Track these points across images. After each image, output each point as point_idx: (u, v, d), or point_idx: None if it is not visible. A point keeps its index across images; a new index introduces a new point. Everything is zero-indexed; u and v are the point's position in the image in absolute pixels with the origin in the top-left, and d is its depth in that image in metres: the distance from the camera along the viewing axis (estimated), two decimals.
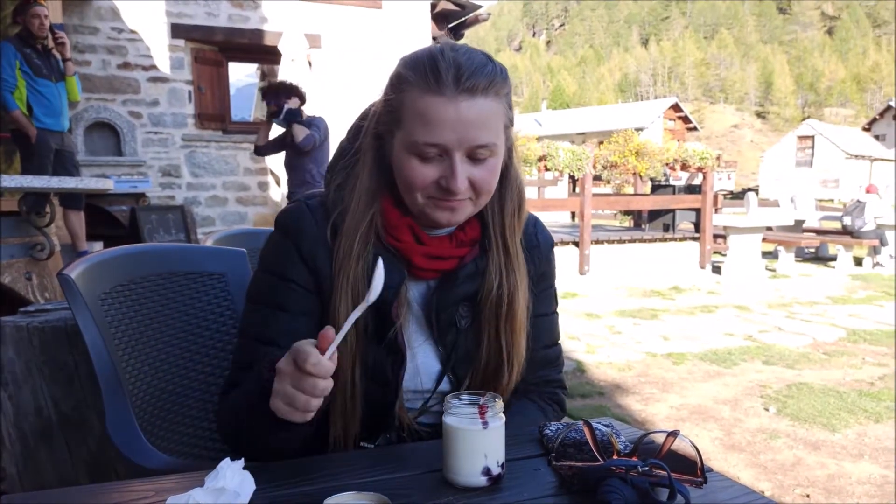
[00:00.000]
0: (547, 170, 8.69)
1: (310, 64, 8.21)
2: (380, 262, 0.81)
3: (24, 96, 4.80)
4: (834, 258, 10.25)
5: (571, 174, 8.39)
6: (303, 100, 5.56)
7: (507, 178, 1.04)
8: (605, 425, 0.94)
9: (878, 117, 53.05)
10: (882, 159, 36.64)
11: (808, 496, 2.95)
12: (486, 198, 0.99)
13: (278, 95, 5.43)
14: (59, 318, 1.64)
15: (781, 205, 12.48)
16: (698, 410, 3.98)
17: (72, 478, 1.60)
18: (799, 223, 10.91)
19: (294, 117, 5.40)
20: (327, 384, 0.77)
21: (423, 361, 1.04)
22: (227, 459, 0.74)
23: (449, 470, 0.80)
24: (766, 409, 3.99)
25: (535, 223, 1.14)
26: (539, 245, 1.12)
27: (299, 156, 5.44)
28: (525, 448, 0.92)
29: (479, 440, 0.77)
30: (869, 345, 5.57)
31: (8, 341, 1.61)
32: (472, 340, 1.05)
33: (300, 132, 5.33)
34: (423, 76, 0.92)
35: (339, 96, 7.74)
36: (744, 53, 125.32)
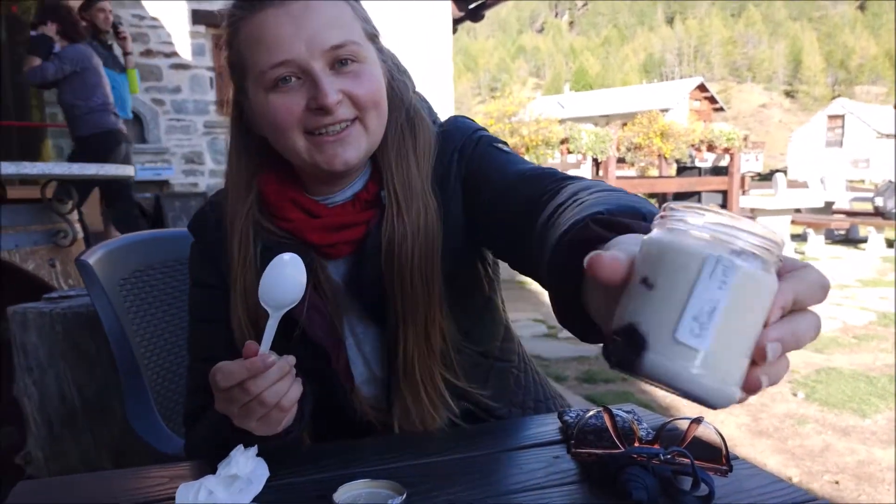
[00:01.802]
0: (569, 153, 8.60)
1: None
2: (280, 260, 0.72)
3: None
4: (865, 240, 10.01)
5: (595, 157, 8.30)
6: (68, 28, 4.63)
7: (391, 101, 0.89)
8: (626, 411, 0.92)
9: None
10: None
11: (837, 482, 2.89)
12: (374, 114, 0.85)
13: (44, 18, 4.60)
14: (81, 305, 1.66)
15: (810, 186, 12.22)
16: None
17: (96, 462, 1.62)
18: (829, 205, 10.67)
19: (38, 46, 4.51)
20: (280, 387, 0.71)
21: (373, 348, 0.93)
22: (241, 446, 0.73)
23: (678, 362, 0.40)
24: (795, 395, 3.92)
25: (452, 143, 0.92)
26: (458, 161, 0.90)
27: (59, 91, 4.66)
28: (544, 433, 0.90)
29: (761, 303, 0.40)
30: None
31: (32, 327, 1.62)
32: None
33: (29, 62, 4.49)
34: (245, 2, 0.82)
35: None
36: (772, 31, 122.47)
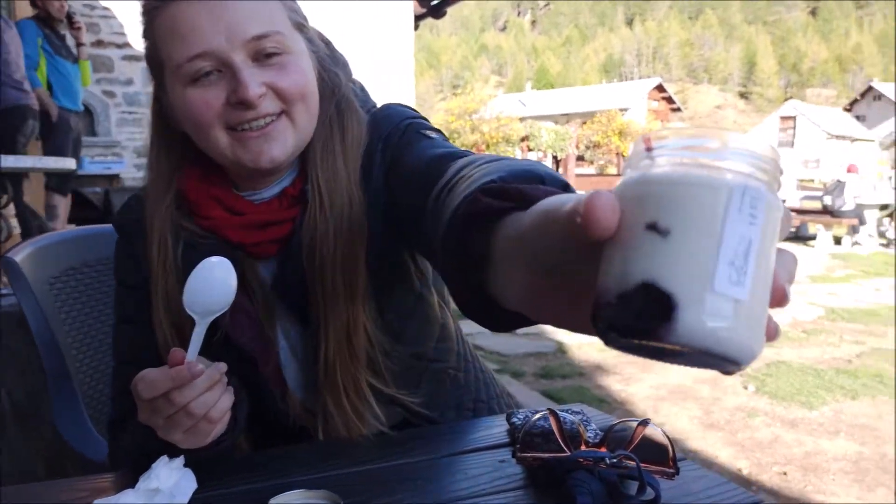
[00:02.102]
0: (530, 150, 8.66)
1: None
2: (208, 263, 0.68)
3: (44, 75, 4.78)
4: (814, 237, 10.33)
5: (555, 155, 8.37)
6: None
7: (321, 93, 0.84)
8: (575, 412, 0.90)
9: (858, 98, 53.48)
10: (862, 139, 36.95)
11: (785, 473, 2.96)
12: (302, 108, 0.80)
13: None
14: (11, 304, 1.57)
15: None
16: (678, 390, 3.98)
17: (31, 469, 1.54)
18: (785, 215, 10.92)
19: None
20: (209, 397, 0.68)
21: (306, 351, 0.88)
22: (164, 458, 0.68)
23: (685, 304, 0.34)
24: (745, 388, 4.00)
25: (379, 133, 0.86)
26: (382, 151, 0.85)
27: None
28: (491, 436, 0.88)
29: (777, 235, 0.36)
30: (847, 323, 5.61)
31: None
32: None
33: None
34: None
35: None
36: (728, 34, 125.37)
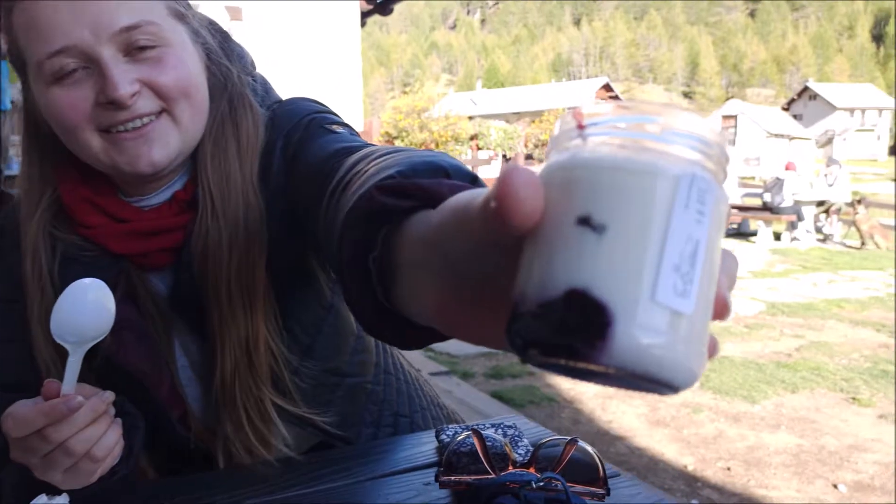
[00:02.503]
0: (479, 148, 8.66)
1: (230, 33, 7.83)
2: (79, 286, 0.61)
3: None
4: (755, 233, 10.63)
5: (504, 153, 8.38)
6: None
7: (211, 88, 0.78)
8: (507, 426, 0.86)
9: (795, 97, 55.55)
10: (800, 138, 38.35)
11: (728, 469, 3.00)
12: (185, 106, 0.72)
13: None
14: None
15: None
16: None
17: None
18: (727, 213, 11.20)
19: None
20: (91, 433, 0.62)
21: (209, 369, 0.81)
22: (43, 496, 0.61)
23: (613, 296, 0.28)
24: None
25: (279, 130, 0.79)
26: (282, 150, 0.78)
27: None
28: (418, 456, 0.82)
29: (722, 234, 0.31)
30: (787, 317, 5.77)
31: None
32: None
33: None
34: None
35: (261, 71, 7.42)
36: (671, 34, 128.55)
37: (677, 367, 0.26)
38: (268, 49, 8.03)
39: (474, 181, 0.46)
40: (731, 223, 11.18)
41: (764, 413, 3.64)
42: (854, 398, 3.82)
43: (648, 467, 3.02)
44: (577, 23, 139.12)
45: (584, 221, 0.26)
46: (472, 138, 8.35)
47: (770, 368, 4.33)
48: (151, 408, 0.78)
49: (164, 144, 0.72)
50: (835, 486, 2.83)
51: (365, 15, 9.37)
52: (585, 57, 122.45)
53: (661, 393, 0.28)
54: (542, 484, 0.64)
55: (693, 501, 2.72)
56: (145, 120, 0.70)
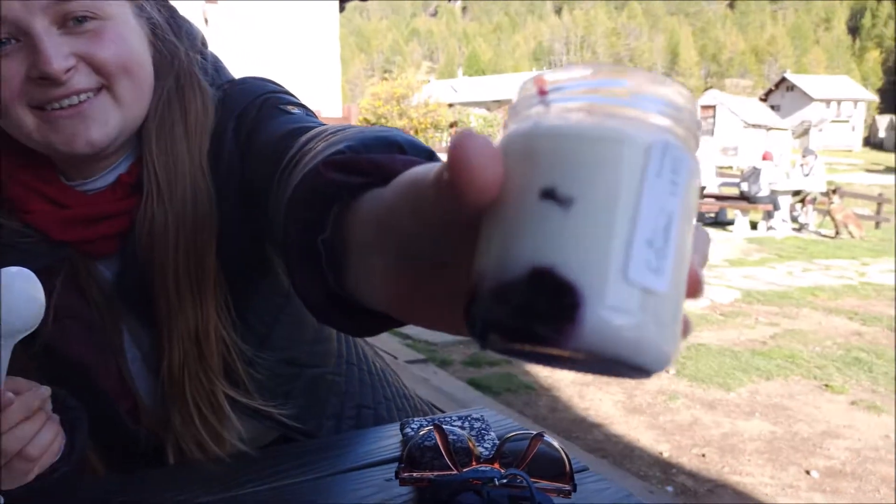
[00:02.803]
0: None
1: (206, 21, 7.69)
2: (5, 275, 0.57)
3: None
4: (732, 222, 10.72)
5: None
6: None
7: (156, 65, 0.74)
8: (474, 419, 0.83)
9: (773, 88, 56.13)
10: (777, 128, 38.76)
11: (703, 455, 3.02)
12: (126, 82, 0.68)
13: None
14: None
15: None
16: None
17: None
18: (700, 190, 11.30)
19: None
20: (24, 431, 0.59)
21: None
22: None
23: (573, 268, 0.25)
24: (667, 371, 4.08)
25: (231, 111, 0.75)
26: (234, 132, 0.74)
27: None
28: (382, 450, 0.79)
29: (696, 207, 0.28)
30: (762, 305, 5.83)
31: None
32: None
33: None
34: None
35: (238, 54, 7.30)
36: (652, 24, 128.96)
37: (651, 350, 0.24)
38: (244, 34, 7.91)
39: (431, 157, 0.43)
40: (708, 212, 11.26)
41: (739, 400, 3.67)
42: (827, 385, 3.87)
43: (624, 454, 3.03)
44: (559, 12, 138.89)
45: (549, 194, 0.24)
46: (451, 126, 8.28)
47: (745, 356, 4.37)
48: (97, 400, 0.74)
49: (103, 123, 0.68)
50: (807, 473, 2.86)
51: (343, 0, 9.25)
52: (566, 46, 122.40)
53: (632, 377, 0.26)
54: (505, 480, 0.61)
55: (668, 488, 2.73)
56: (82, 97, 0.66)
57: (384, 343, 4.12)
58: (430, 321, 0.34)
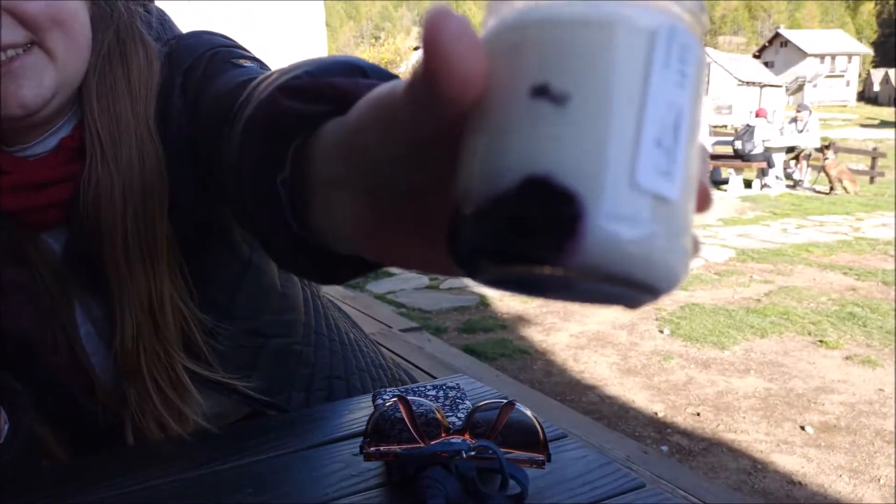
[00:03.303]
0: None
1: None
2: None
3: None
4: (726, 181, 10.66)
5: None
6: None
7: (94, 18, 0.68)
8: (449, 387, 0.80)
9: (767, 45, 55.53)
10: (771, 85, 38.45)
11: (698, 414, 3.02)
12: (59, 36, 0.63)
13: None
14: None
15: None
16: (597, 337, 4.01)
17: None
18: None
19: None
20: None
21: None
22: None
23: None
24: (661, 332, 4.08)
25: (179, 67, 0.70)
26: (181, 88, 0.69)
27: None
28: (352, 423, 0.76)
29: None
30: (756, 263, 5.81)
31: None
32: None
33: None
34: None
35: (219, 25, 7.11)
36: None
37: (662, 266, 0.21)
38: (230, 11, 7.73)
39: None
40: None
41: (733, 358, 3.67)
42: (821, 341, 3.87)
43: (619, 415, 3.03)
44: None
45: (541, 91, 0.21)
46: None
47: (740, 314, 4.36)
48: (47, 378, 0.70)
49: (37, 82, 0.62)
50: (802, 428, 2.87)
51: None
52: None
53: (636, 301, 0.23)
54: (473, 452, 0.57)
55: (662, 447, 2.73)
56: (10, 53, 0.60)
57: (376, 311, 4.10)
58: (407, 260, 0.31)
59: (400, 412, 0.63)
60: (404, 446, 0.61)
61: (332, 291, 4.06)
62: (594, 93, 0.20)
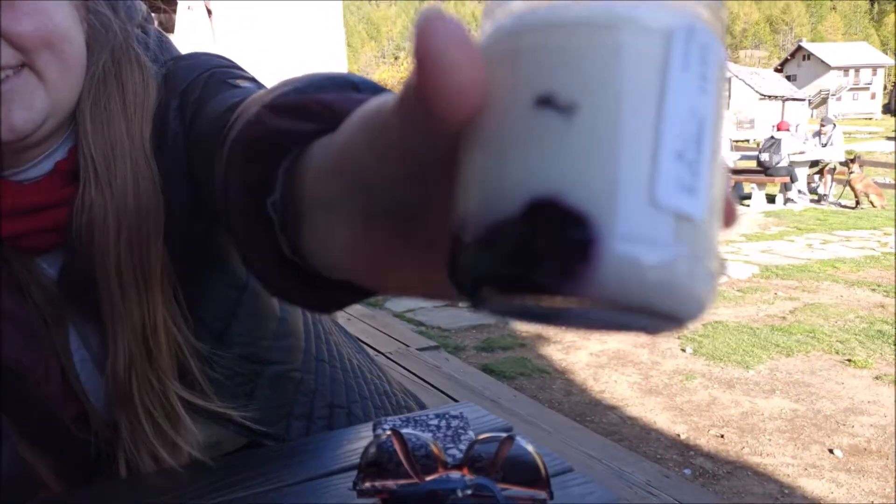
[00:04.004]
0: None
1: (209, 12, 7.63)
2: None
3: None
4: (749, 196, 10.52)
5: None
6: None
7: (89, 40, 0.68)
8: (452, 416, 0.77)
9: (789, 58, 55.09)
10: (794, 99, 38.07)
11: (722, 436, 2.94)
12: (51, 59, 0.62)
13: None
14: None
15: None
16: (618, 356, 3.94)
17: None
18: None
19: None
20: None
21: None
22: None
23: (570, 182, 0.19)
24: (683, 350, 3.99)
25: (175, 89, 0.69)
26: (178, 111, 0.68)
27: None
28: (352, 454, 0.73)
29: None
30: (781, 280, 5.70)
31: None
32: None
33: None
34: None
35: (242, 47, 7.22)
36: None
37: (685, 293, 0.19)
38: (248, 24, 7.85)
39: None
40: None
41: (758, 378, 3.58)
42: (850, 360, 3.76)
43: (640, 437, 2.96)
44: None
45: (546, 101, 0.18)
46: None
47: (764, 332, 4.26)
48: (34, 408, 0.69)
49: (28, 106, 0.61)
50: (830, 451, 2.77)
51: None
52: None
53: (658, 329, 0.21)
54: (469, 491, 0.54)
55: (685, 471, 2.66)
56: (0, 75, 0.60)
57: (394, 329, 4.07)
58: (407, 286, 0.29)
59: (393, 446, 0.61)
60: (400, 482, 0.58)
61: (349, 309, 4.04)
62: (605, 102, 0.18)
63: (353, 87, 0.36)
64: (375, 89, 0.37)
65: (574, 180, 0.18)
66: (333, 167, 0.29)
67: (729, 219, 0.22)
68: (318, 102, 0.33)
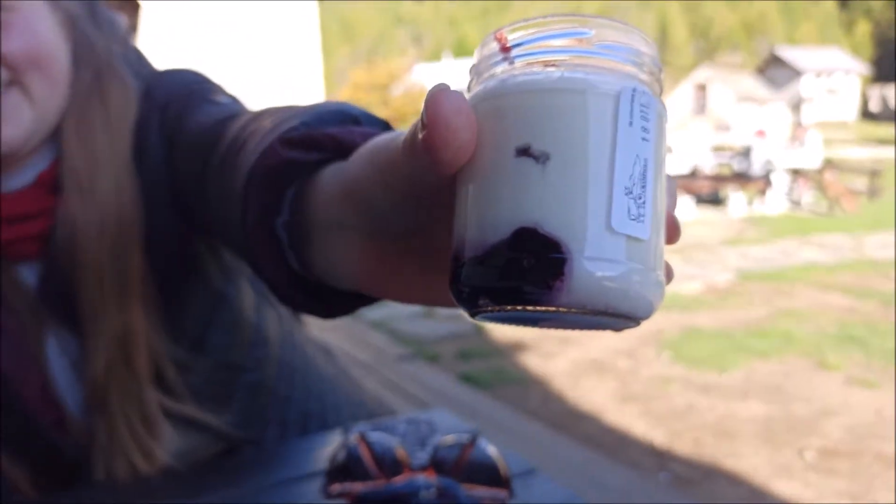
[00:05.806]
0: None
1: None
2: None
3: None
4: (726, 201, 10.66)
5: None
6: None
7: (75, 57, 0.70)
8: (422, 422, 0.79)
9: (764, 63, 55.93)
10: (771, 101, 38.66)
11: (698, 440, 2.99)
12: (37, 76, 0.64)
13: None
14: None
15: (675, 152, 12.83)
16: (596, 363, 3.98)
17: None
18: (696, 170, 11.25)
19: None
20: None
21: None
22: None
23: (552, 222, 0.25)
24: (661, 357, 4.05)
25: (156, 104, 0.71)
26: (159, 126, 0.70)
27: None
28: (320, 459, 0.75)
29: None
30: (757, 284, 5.79)
31: None
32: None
33: None
34: None
35: (208, 50, 7.20)
36: (641, 1, 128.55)
37: (639, 297, 0.25)
38: (217, 26, 7.81)
39: (386, 128, 0.42)
40: (703, 191, 11.20)
41: (734, 382, 3.64)
42: (822, 363, 3.84)
43: (618, 443, 3.00)
44: None
45: (524, 152, 0.25)
46: None
47: (740, 337, 4.34)
48: (13, 413, 0.70)
49: (17, 122, 0.64)
50: (802, 453, 2.83)
51: None
52: None
53: (620, 327, 0.27)
54: (432, 491, 0.57)
55: (662, 475, 2.70)
56: None
57: (370, 339, 4.08)
58: (408, 294, 0.34)
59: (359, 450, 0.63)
60: (367, 484, 0.60)
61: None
62: (570, 152, 0.24)
63: (353, 120, 0.42)
64: (373, 121, 0.42)
65: (549, 213, 0.24)
66: (343, 193, 0.34)
67: (672, 235, 0.28)
68: (327, 136, 0.38)
